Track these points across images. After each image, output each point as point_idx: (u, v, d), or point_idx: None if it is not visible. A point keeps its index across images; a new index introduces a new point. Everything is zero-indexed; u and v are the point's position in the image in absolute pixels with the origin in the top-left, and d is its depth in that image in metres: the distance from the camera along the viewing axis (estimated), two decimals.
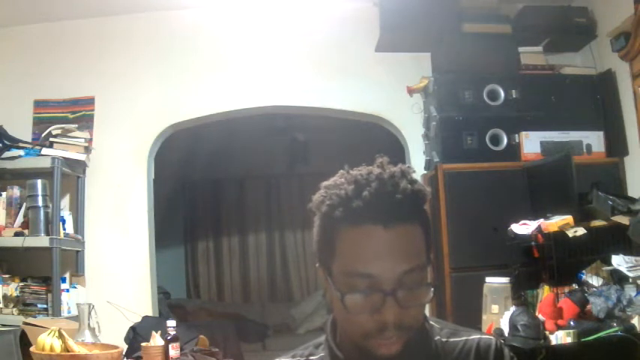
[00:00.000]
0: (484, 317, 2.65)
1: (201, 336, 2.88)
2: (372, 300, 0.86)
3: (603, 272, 2.57)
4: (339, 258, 0.89)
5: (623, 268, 2.47)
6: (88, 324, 2.68)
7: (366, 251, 0.86)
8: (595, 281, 2.56)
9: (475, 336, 1.00)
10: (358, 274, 0.86)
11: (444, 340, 0.98)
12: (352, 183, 0.88)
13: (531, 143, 3.24)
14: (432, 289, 0.89)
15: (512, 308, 2.49)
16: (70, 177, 3.48)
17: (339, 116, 3.91)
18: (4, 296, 3.16)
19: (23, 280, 3.25)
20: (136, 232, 3.59)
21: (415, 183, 0.90)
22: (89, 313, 2.70)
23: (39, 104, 3.66)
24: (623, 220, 2.61)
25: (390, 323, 0.85)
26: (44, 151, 3.30)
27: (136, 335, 2.88)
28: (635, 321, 2.31)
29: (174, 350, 2.54)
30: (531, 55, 3.47)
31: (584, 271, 2.61)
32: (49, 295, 3.18)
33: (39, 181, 3.20)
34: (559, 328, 2.37)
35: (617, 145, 3.28)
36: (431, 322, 1.00)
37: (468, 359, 0.97)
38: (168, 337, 2.56)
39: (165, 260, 5.56)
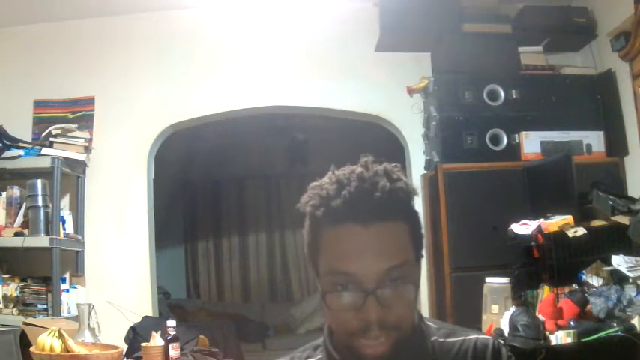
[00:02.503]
0: (484, 317, 2.65)
1: (201, 336, 2.88)
2: (353, 298, 0.86)
3: (603, 272, 2.57)
4: (322, 257, 0.90)
5: (623, 268, 2.47)
6: (88, 324, 2.68)
7: (346, 250, 0.87)
8: (595, 281, 2.56)
9: (472, 336, 0.99)
10: (338, 273, 0.87)
11: (440, 340, 0.98)
12: (334, 183, 0.90)
13: (531, 143, 3.24)
14: (415, 287, 0.90)
15: (512, 308, 2.49)
16: (70, 177, 3.47)
17: (339, 116, 3.91)
18: (4, 296, 3.16)
19: (23, 280, 3.25)
20: (136, 232, 3.59)
21: (397, 181, 0.90)
22: (89, 313, 2.70)
23: (39, 104, 3.66)
24: (623, 220, 2.61)
25: (372, 322, 0.85)
26: (44, 151, 3.30)
27: (136, 335, 2.88)
28: (635, 321, 2.31)
29: (174, 350, 2.54)
30: (531, 55, 3.47)
31: (584, 271, 2.61)
32: (49, 295, 3.18)
33: (39, 181, 3.20)
34: (559, 328, 2.37)
35: (617, 145, 3.28)
36: (427, 322, 1.00)
37: (466, 359, 0.97)
38: (168, 337, 2.56)
39: (165, 260, 5.57)
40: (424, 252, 0.96)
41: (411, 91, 3.57)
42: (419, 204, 3.29)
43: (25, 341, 2.57)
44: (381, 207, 0.87)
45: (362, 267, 0.86)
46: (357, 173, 0.89)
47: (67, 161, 3.35)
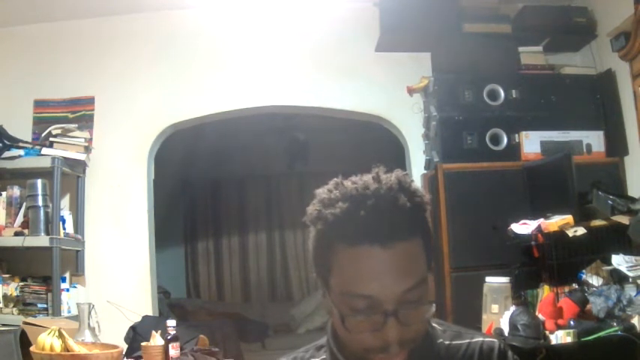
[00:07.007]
0: (484, 317, 2.65)
1: (201, 336, 2.87)
2: (372, 320, 0.84)
3: (603, 272, 2.57)
4: (336, 276, 0.87)
5: (623, 268, 2.47)
6: (88, 324, 2.68)
7: (364, 272, 0.84)
8: (595, 281, 2.56)
9: (478, 338, 0.99)
10: (357, 296, 0.85)
11: (446, 343, 0.98)
12: (347, 200, 0.85)
13: (531, 143, 3.25)
14: (434, 305, 0.89)
15: (512, 308, 2.49)
16: (70, 177, 3.47)
17: (339, 116, 3.91)
18: (4, 296, 3.16)
19: (23, 279, 3.25)
20: (136, 232, 3.59)
21: (414, 195, 0.87)
22: (89, 313, 2.70)
23: (39, 104, 3.66)
24: (623, 219, 2.62)
25: (392, 342, 0.84)
26: (44, 150, 3.30)
27: (136, 335, 2.88)
28: (635, 321, 2.31)
29: (174, 350, 2.54)
30: (531, 55, 3.47)
31: (584, 271, 2.61)
32: (49, 295, 3.18)
33: (39, 181, 3.20)
34: (559, 327, 2.37)
35: (617, 145, 3.28)
36: (433, 325, 0.99)
37: None
38: (169, 337, 2.56)
39: (165, 260, 5.57)
40: None
41: (411, 91, 3.57)
42: None
43: (25, 341, 2.57)
44: (400, 226, 0.84)
45: (382, 289, 0.83)
46: (373, 190, 0.85)
47: (67, 161, 3.35)
